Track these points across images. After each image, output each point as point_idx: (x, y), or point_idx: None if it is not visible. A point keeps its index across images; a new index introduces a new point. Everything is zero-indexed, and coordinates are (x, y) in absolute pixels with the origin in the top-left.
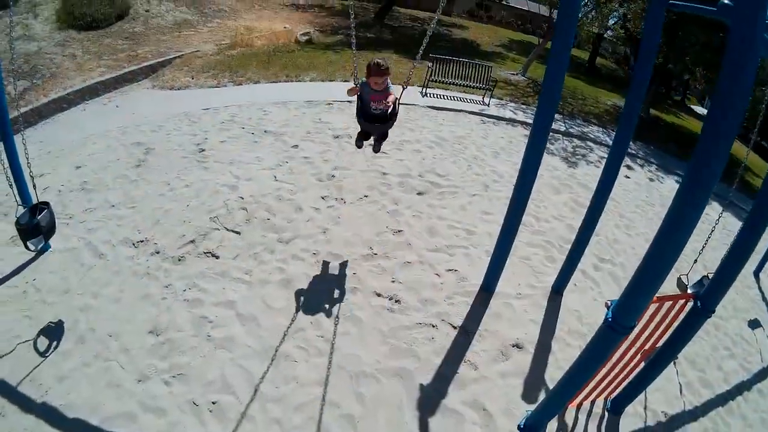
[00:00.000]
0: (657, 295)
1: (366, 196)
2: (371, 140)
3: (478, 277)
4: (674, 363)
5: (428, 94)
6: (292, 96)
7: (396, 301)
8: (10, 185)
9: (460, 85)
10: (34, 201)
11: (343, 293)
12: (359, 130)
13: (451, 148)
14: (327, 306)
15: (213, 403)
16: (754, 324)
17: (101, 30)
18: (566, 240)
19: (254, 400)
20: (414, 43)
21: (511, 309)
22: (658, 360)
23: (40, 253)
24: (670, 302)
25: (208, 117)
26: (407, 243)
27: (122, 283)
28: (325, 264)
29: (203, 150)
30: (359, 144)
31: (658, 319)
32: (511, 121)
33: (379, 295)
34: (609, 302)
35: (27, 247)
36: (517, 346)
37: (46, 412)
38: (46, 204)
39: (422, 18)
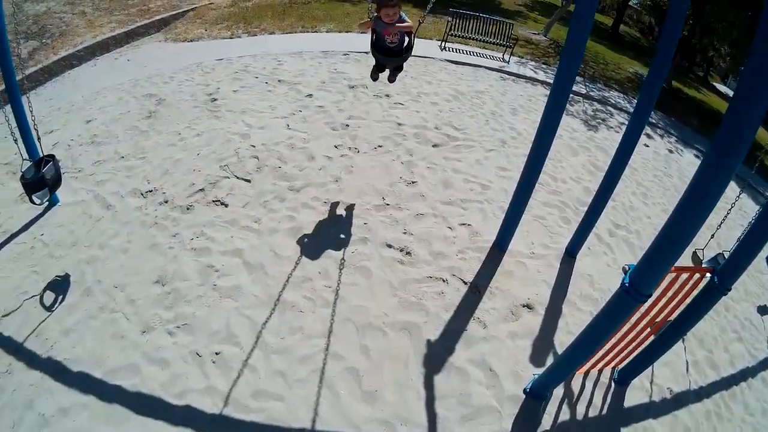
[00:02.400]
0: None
1: (380, 146)
2: (386, 74)
3: (492, 233)
4: (683, 340)
5: (447, 48)
6: (308, 47)
7: (407, 253)
8: (15, 140)
9: (480, 40)
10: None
11: (353, 243)
12: (372, 69)
13: (469, 103)
14: (336, 256)
15: (216, 353)
16: (763, 310)
17: None
18: (582, 202)
19: (258, 351)
20: None
21: (524, 268)
22: (669, 334)
23: (48, 207)
24: (687, 274)
25: (221, 68)
26: (420, 194)
27: (130, 233)
28: (336, 213)
29: (215, 99)
30: (374, 76)
31: (673, 291)
32: (531, 80)
33: (390, 246)
34: (627, 266)
35: (32, 201)
36: (528, 306)
37: (51, 366)
38: (51, 157)
39: None
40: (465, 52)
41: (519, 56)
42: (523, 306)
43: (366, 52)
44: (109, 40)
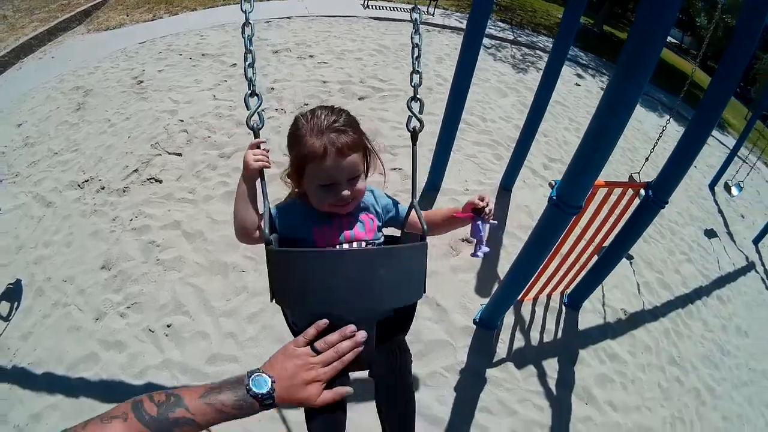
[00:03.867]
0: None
1: (306, 104)
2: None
3: (424, 175)
4: (630, 263)
5: (371, 6)
6: (231, 18)
7: None
8: None
9: None
10: None
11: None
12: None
13: (394, 56)
14: None
15: (168, 326)
16: (711, 233)
17: None
18: (513, 139)
19: (207, 317)
20: None
21: (458, 204)
22: (612, 251)
23: None
24: (620, 189)
25: (144, 50)
26: None
27: (71, 226)
28: (269, 173)
29: (141, 82)
30: None
31: (608, 207)
32: (457, 30)
33: None
34: (553, 182)
35: None
36: (467, 240)
37: (17, 375)
38: None
39: None
40: (388, 8)
41: (444, 9)
42: (462, 240)
43: (288, 17)
44: (31, 40)
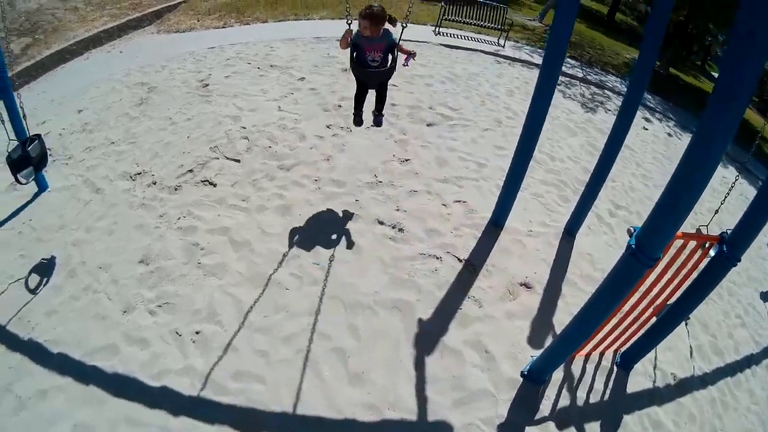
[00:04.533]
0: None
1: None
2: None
3: (488, 210)
4: (686, 323)
5: (442, 33)
6: (301, 33)
7: (399, 230)
8: (2, 121)
9: (474, 25)
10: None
11: (344, 220)
12: (354, 96)
13: (465, 84)
14: (326, 232)
15: (196, 333)
16: (766, 296)
17: None
18: (581, 182)
19: (240, 330)
20: None
21: (521, 246)
22: (675, 311)
23: (37, 194)
24: (695, 242)
25: (213, 55)
26: (414, 172)
27: (117, 215)
28: (327, 191)
29: (207, 85)
30: (357, 118)
31: (680, 261)
32: (527, 63)
33: (381, 223)
34: (632, 228)
35: (18, 181)
36: (526, 285)
37: (31, 348)
38: (37, 136)
39: None
40: (459, 36)
41: (515, 41)
42: (521, 285)
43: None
44: (101, 33)
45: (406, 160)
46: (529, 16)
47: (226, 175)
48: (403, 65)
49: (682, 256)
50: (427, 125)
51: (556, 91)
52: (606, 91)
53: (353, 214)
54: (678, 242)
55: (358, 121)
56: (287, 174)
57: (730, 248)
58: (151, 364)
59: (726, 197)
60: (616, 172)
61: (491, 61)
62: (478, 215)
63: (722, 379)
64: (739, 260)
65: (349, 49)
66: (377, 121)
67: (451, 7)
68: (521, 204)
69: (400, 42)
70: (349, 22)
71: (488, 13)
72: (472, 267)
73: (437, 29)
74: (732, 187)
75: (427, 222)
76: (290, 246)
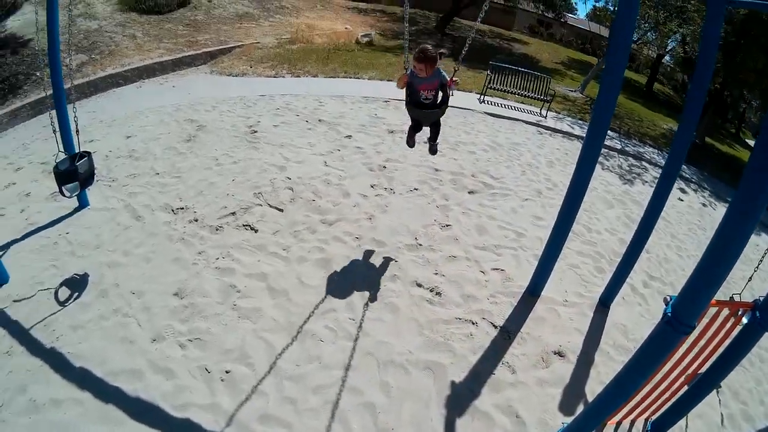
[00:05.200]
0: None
1: (416, 189)
2: (424, 139)
3: (525, 280)
4: (717, 391)
5: (486, 101)
6: (350, 91)
7: (437, 294)
8: (54, 131)
9: (518, 94)
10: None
11: (382, 279)
12: (409, 125)
13: (506, 154)
14: (363, 290)
15: (226, 372)
16: None
17: (162, 15)
18: (617, 253)
19: (271, 375)
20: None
21: (556, 315)
22: (707, 379)
23: (78, 209)
24: (728, 309)
25: (263, 103)
26: (454, 238)
27: (155, 245)
28: (367, 249)
29: (255, 131)
30: (410, 141)
31: (713, 328)
32: (568, 135)
33: (419, 285)
34: (668, 297)
35: (62, 193)
36: (559, 354)
37: (52, 357)
38: (87, 153)
39: (483, 30)
40: (503, 105)
41: (556, 112)
42: (555, 353)
43: (401, 99)
44: (156, 65)
45: (447, 226)
46: (571, 87)
47: (268, 222)
48: (451, 93)
49: (715, 325)
50: (469, 192)
51: None
52: (643, 163)
53: (392, 274)
54: (712, 310)
55: (410, 142)
56: (329, 228)
57: (764, 314)
58: (175, 395)
59: (759, 264)
60: (651, 243)
61: (533, 131)
62: (515, 283)
63: None
64: None
65: (405, 89)
66: (432, 149)
67: (496, 75)
68: (557, 274)
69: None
70: (406, 67)
71: (532, 83)
72: (507, 334)
73: (482, 97)
74: (765, 254)
75: (464, 287)
76: (327, 299)
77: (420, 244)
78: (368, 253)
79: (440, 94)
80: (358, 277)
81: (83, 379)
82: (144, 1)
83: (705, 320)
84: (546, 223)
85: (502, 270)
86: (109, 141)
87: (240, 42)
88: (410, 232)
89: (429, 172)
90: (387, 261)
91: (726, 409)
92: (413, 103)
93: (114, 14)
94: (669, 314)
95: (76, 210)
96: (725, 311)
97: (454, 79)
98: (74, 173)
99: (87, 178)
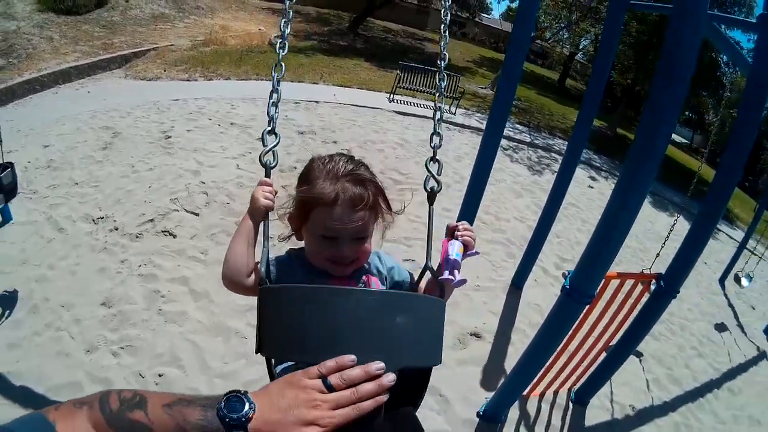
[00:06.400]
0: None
1: None
2: None
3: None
4: (640, 360)
5: (395, 101)
6: (261, 93)
7: None
8: None
9: (427, 93)
10: None
11: None
12: None
13: (415, 150)
14: None
15: (159, 375)
16: (721, 327)
17: (80, 16)
18: (526, 239)
19: (201, 375)
20: (385, 53)
21: (469, 300)
22: (623, 345)
23: (0, 224)
24: (632, 281)
25: (176, 107)
26: None
27: (79, 256)
28: (282, 247)
29: (169, 137)
30: None
31: (617, 302)
32: (477, 130)
33: None
34: (566, 272)
35: None
36: (476, 335)
37: None
38: (10, 164)
39: (395, 30)
40: (413, 104)
41: (465, 108)
42: (471, 335)
43: (316, 102)
44: (72, 69)
45: None
46: (482, 85)
47: (185, 227)
48: (444, 279)
49: (621, 295)
50: None
51: (503, 155)
52: (553, 154)
53: None
54: (616, 282)
55: None
56: None
57: (668, 282)
58: None
59: (666, 239)
60: (562, 228)
61: (442, 128)
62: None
63: (683, 405)
64: (678, 292)
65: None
66: None
67: (405, 75)
68: (468, 262)
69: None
70: (268, 163)
71: None
72: None
73: (392, 96)
74: (671, 229)
75: None
76: (248, 299)
77: None
78: (283, 251)
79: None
80: None
81: (25, 398)
82: (62, 0)
83: (611, 292)
84: (454, 214)
85: (413, 260)
86: (28, 151)
87: (155, 44)
88: None
89: None
90: None
91: (651, 375)
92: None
93: (33, 14)
94: (567, 287)
95: (0, 225)
96: (630, 283)
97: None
98: None
99: (11, 190)
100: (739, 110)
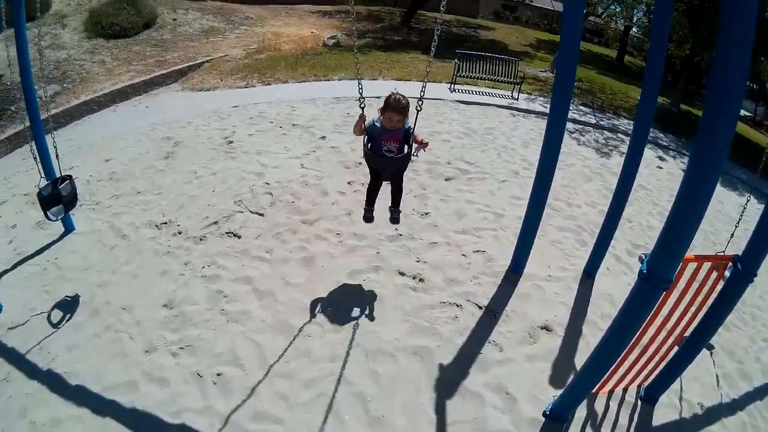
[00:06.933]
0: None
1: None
2: (384, 210)
3: (507, 259)
4: (711, 353)
5: (456, 90)
6: (321, 93)
7: (420, 280)
8: (35, 158)
9: (488, 80)
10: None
11: (365, 271)
12: (367, 189)
13: (481, 139)
14: (348, 283)
15: (218, 375)
16: None
17: (129, 38)
18: (598, 225)
19: (261, 374)
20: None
21: (541, 290)
22: (696, 337)
23: (64, 234)
24: (710, 263)
25: (236, 114)
26: (434, 225)
27: (142, 261)
28: (349, 244)
29: (231, 142)
30: (368, 213)
31: (692, 290)
32: (541, 114)
33: (402, 274)
34: (643, 255)
35: (47, 217)
36: (546, 328)
37: (50, 378)
38: (69, 176)
39: (447, 20)
40: (474, 92)
41: (527, 93)
42: (542, 328)
43: (377, 97)
44: (127, 88)
45: (426, 214)
46: (541, 68)
47: (250, 228)
48: (414, 155)
49: (697, 281)
50: (446, 179)
51: (570, 139)
52: (619, 135)
53: (375, 265)
54: (693, 266)
55: (368, 217)
56: (310, 228)
57: (745, 264)
58: (170, 402)
59: (739, 220)
60: (633, 212)
61: (506, 114)
62: (497, 263)
63: (751, 403)
64: (755, 275)
65: (363, 136)
66: (394, 218)
67: (464, 63)
68: (539, 251)
69: (415, 130)
70: (363, 105)
71: (501, 67)
72: (492, 313)
73: (452, 86)
74: (744, 209)
75: (447, 272)
76: (312, 295)
77: (400, 234)
78: (350, 248)
79: (405, 147)
80: (342, 272)
81: (81, 395)
82: (109, 26)
83: (687, 278)
84: (524, 202)
85: (483, 251)
86: (89, 166)
87: (208, 56)
88: (390, 223)
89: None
90: (369, 253)
91: (721, 370)
92: (373, 153)
93: (81, 42)
94: (644, 271)
95: (63, 236)
96: (706, 266)
97: (424, 141)
98: (57, 197)
99: (70, 201)
100: None
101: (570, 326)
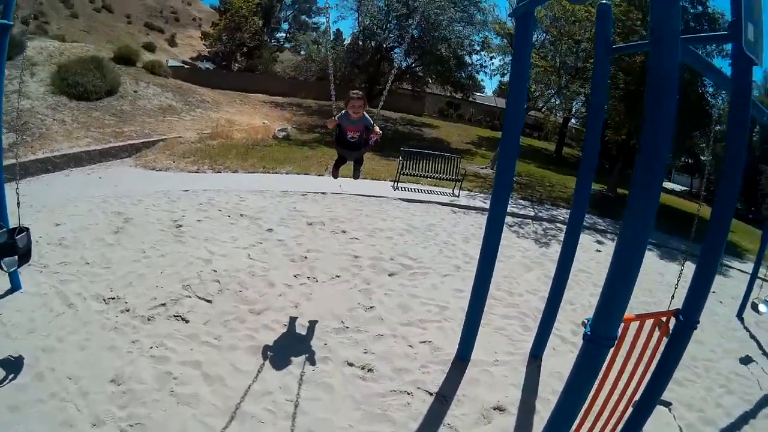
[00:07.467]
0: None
1: (338, 276)
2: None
3: (453, 347)
4: (669, 409)
5: (400, 188)
6: (269, 186)
7: (369, 370)
8: None
9: (430, 177)
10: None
11: (313, 362)
12: (335, 161)
13: (423, 235)
14: (297, 373)
15: None
16: (746, 360)
17: (91, 102)
18: (540, 311)
19: None
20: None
21: (489, 375)
22: (650, 390)
23: (10, 291)
24: (652, 320)
25: (186, 198)
26: (379, 318)
27: (89, 333)
28: (296, 335)
29: (180, 226)
30: (335, 173)
31: (640, 346)
32: (481, 210)
33: (351, 364)
34: (585, 320)
35: None
36: (499, 408)
37: None
38: (26, 229)
39: (393, 118)
40: (417, 190)
41: (468, 190)
42: (494, 408)
43: (323, 193)
44: (83, 154)
45: (371, 308)
46: (482, 165)
47: (198, 313)
48: (371, 143)
49: (642, 337)
50: (389, 275)
51: (510, 232)
52: (557, 224)
53: (323, 356)
54: (635, 325)
55: (335, 174)
56: (257, 318)
57: (687, 315)
58: None
59: (676, 288)
60: (574, 295)
61: (447, 211)
62: (444, 352)
63: None
64: (698, 322)
65: (335, 128)
66: (356, 176)
67: (408, 161)
68: (484, 338)
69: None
70: (336, 115)
71: (443, 165)
72: (443, 398)
73: (396, 184)
74: (681, 272)
75: (394, 362)
76: (263, 383)
77: (347, 327)
78: (298, 338)
79: (364, 135)
80: (290, 362)
81: None
82: (75, 85)
83: (631, 338)
84: (467, 294)
85: (429, 342)
86: (40, 226)
87: (163, 135)
88: (336, 316)
89: (349, 259)
90: (316, 345)
91: (683, 421)
92: (341, 142)
93: (46, 96)
94: (588, 333)
95: (9, 292)
96: (649, 324)
97: (377, 130)
98: (13, 247)
99: (25, 254)
100: (728, 128)
101: (522, 404)
